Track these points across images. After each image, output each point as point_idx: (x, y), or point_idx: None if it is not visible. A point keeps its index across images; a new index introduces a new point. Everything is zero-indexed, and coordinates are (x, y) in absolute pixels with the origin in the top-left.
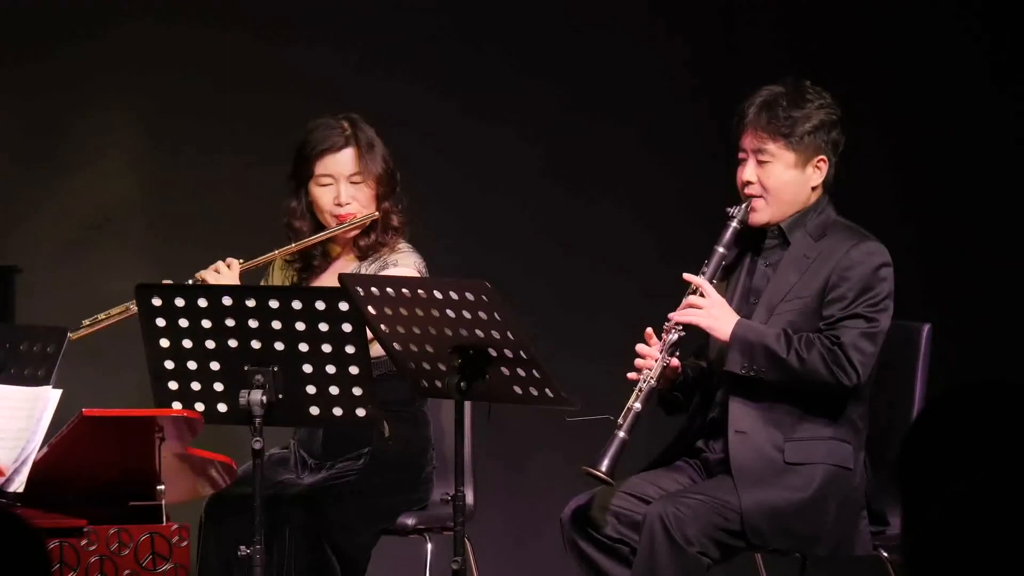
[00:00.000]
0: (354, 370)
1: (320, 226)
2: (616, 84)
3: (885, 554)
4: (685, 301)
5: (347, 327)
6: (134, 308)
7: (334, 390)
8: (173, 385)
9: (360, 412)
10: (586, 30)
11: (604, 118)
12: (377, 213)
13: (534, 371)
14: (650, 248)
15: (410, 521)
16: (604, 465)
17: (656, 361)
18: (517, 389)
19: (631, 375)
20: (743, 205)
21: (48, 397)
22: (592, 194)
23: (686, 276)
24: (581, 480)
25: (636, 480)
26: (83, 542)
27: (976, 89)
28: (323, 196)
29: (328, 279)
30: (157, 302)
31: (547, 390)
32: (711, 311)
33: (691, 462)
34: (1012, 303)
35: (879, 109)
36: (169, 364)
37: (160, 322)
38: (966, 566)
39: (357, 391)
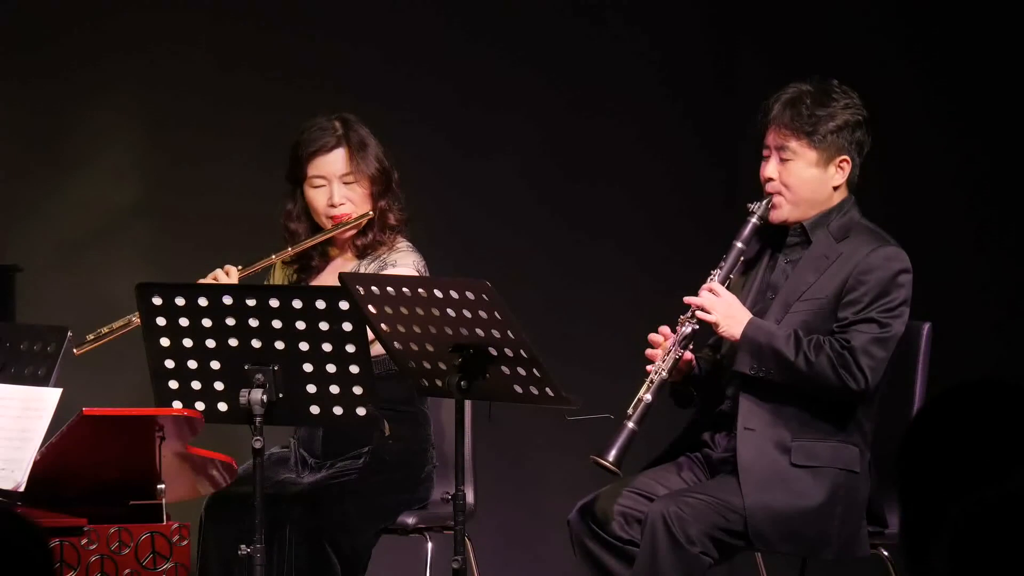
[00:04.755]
0: (354, 369)
1: (316, 227)
2: (618, 81)
3: (886, 553)
4: (701, 291)
5: (347, 326)
6: (136, 320)
7: (334, 389)
8: (173, 384)
9: (360, 411)
10: (586, 25)
11: (605, 116)
12: (371, 213)
13: (534, 370)
14: (654, 244)
15: (410, 520)
16: (612, 455)
17: (669, 353)
18: (517, 388)
19: (649, 363)
20: (764, 201)
21: (48, 397)
22: (595, 190)
23: (687, 300)
24: (587, 469)
25: (643, 478)
26: (83, 541)
27: (975, 89)
28: (317, 197)
29: (326, 279)
30: (158, 301)
31: (547, 389)
32: (725, 309)
33: (694, 457)
34: (1012, 303)
35: (877, 107)
36: (169, 363)
37: (160, 321)
38: (977, 568)
39: (357, 390)
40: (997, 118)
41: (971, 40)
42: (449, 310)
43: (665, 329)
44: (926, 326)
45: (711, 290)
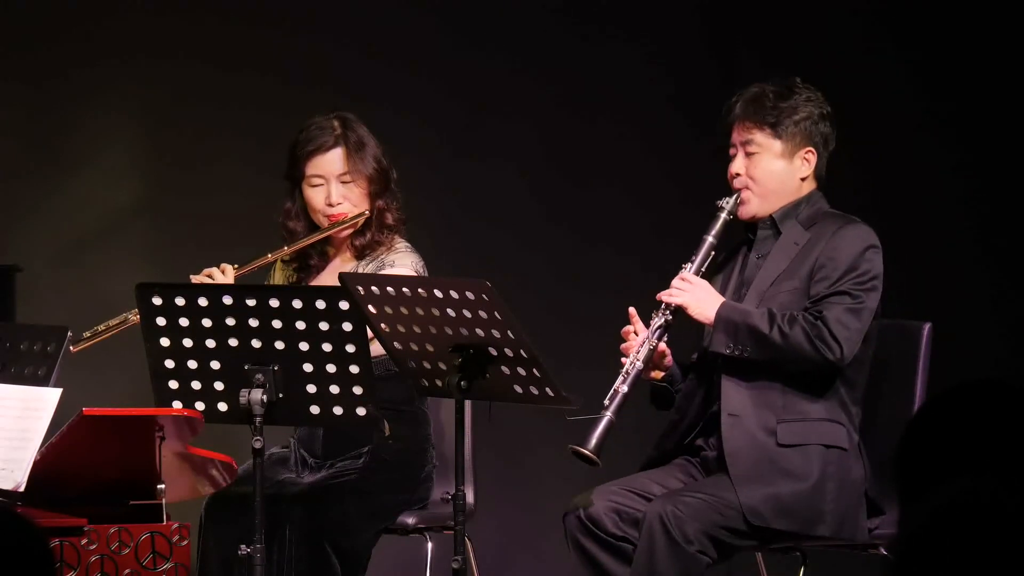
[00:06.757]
0: (354, 369)
1: (315, 226)
2: (619, 83)
3: (885, 552)
4: (672, 283)
5: (347, 326)
6: (133, 318)
7: (334, 389)
8: (173, 384)
9: (360, 411)
10: (585, 26)
11: (605, 118)
12: (367, 212)
13: (534, 370)
14: (653, 246)
15: (410, 520)
16: (591, 444)
17: (644, 344)
18: (517, 388)
19: (624, 354)
20: (732, 197)
21: (48, 397)
22: (595, 191)
23: (659, 296)
24: (587, 469)
25: (638, 477)
26: (83, 541)
27: (976, 89)
28: (315, 197)
29: (326, 279)
30: (158, 301)
31: (547, 389)
32: (695, 292)
33: (691, 460)
34: (1012, 303)
35: (877, 108)
36: (169, 363)
37: (160, 321)
38: (960, 568)
39: (357, 390)
40: (997, 118)
41: (972, 40)
42: (449, 310)
43: (632, 311)
44: (926, 326)
45: (683, 279)
